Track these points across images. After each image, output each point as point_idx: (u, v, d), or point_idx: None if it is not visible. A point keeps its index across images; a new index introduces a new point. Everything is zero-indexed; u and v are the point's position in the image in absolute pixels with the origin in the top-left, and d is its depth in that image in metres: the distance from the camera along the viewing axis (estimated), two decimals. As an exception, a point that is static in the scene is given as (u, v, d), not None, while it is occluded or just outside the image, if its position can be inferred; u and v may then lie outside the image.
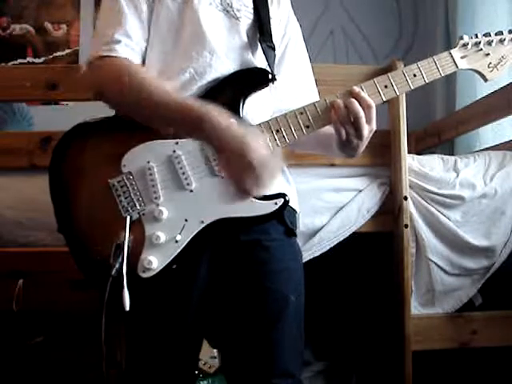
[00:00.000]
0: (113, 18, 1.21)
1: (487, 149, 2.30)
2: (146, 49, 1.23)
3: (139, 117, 1.15)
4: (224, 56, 1.21)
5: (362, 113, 1.12)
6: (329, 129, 1.19)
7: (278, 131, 1.16)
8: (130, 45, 1.19)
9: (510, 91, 2.03)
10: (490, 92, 2.22)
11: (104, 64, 1.18)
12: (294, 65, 1.37)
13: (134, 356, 1.23)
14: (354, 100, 1.12)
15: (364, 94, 1.14)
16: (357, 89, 1.14)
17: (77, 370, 1.81)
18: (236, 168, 1.09)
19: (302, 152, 1.51)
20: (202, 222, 1.14)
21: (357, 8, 3.56)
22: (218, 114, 1.09)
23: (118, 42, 1.18)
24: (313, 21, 3.49)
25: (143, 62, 1.23)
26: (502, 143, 2.26)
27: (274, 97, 1.31)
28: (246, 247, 1.19)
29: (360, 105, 1.12)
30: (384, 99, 1.18)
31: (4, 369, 1.81)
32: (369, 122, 1.14)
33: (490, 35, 1.22)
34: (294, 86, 1.36)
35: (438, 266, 1.89)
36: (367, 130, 1.14)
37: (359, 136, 1.14)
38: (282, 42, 1.36)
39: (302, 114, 1.17)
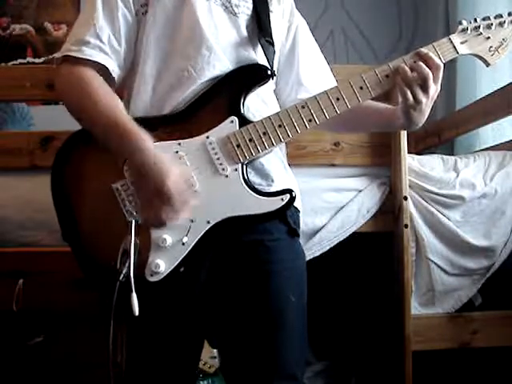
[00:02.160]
0: (86, 18, 1.21)
1: (487, 149, 2.31)
2: (134, 51, 1.23)
3: (87, 127, 1.17)
4: (222, 53, 1.21)
5: (430, 74, 1.15)
6: (378, 107, 1.27)
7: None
8: (99, 46, 1.18)
9: (510, 91, 2.03)
10: (490, 92, 2.22)
11: (65, 67, 1.19)
12: (308, 49, 1.39)
13: (136, 357, 1.23)
14: (421, 63, 1.15)
15: (432, 55, 1.16)
16: (425, 50, 1.17)
17: (77, 369, 1.81)
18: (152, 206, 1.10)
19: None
20: (209, 222, 1.14)
21: (357, 8, 3.56)
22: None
23: (87, 43, 1.17)
24: (313, 21, 3.48)
25: (135, 62, 1.23)
26: (502, 143, 2.26)
27: (298, 83, 1.33)
28: (248, 247, 1.18)
29: (428, 66, 1.15)
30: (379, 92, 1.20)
31: (4, 369, 1.81)
32: (436, 82, 1.16)
33: (490, 19, 1.21)
34: (315, 68, 1.38)
35: (438, 266, 1.89)
36: (434, 90, 1.17)
37: (427, 96, 1.16)
38: (290, 32, 1.36)
39: (303, 107, 1.17)
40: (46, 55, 3.51)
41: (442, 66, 1.16)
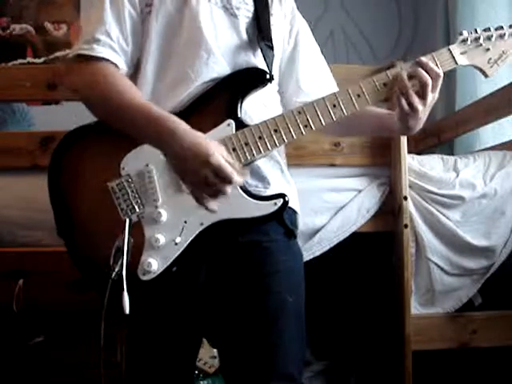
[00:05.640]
0: (95, 17, 1.21)
1: (487, 149, 2.30)
2: (139, 50, 1.22)
3: (112, 124, 1.16)
4: (220, 56, 1.20)
5: (430, 80, 1.14)
6: (377, 112, 1.26)
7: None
8: (109, 44, 1.18)
9: (511, 91, 2.02)
10: (490, 92, 2.22)
11: (80, 66, 1.19)
12: (309, 53, 1.38)
13: (134, 357, 1.23)
14: (421, 69, 1.14)
15: (432, 65, 1.15)
16: (425, 59, 1.16)
17: (77, 369, 1.81)
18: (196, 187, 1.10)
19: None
20: (202, 223, 1.14)
21: (357, 8, 3.56)
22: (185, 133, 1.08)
23: (98, 40, 1.18)
24: (313, 21, 3.46)
25: (138, 61, 1.23)
26: (501, 143, 2.26)
27: (297, 87, 1.32)
28: (244, 248, 1.18)
29: (428, 74, 1.14)
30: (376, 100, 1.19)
31: (4, 369, 1.81)
32: (433, 90, 1.16)
33: (490, 30, 1.20)
34: (315, 72, 1.37)
35: (438, 266, 1.89)
36: (431, 98, 1.16)
37: (424, 103, 1.15)
38: (291, 35, 1.36)
39: (299, 113, 1.16)
40: (45, 55, 3.51)
41: (441, 75, 1.16)
